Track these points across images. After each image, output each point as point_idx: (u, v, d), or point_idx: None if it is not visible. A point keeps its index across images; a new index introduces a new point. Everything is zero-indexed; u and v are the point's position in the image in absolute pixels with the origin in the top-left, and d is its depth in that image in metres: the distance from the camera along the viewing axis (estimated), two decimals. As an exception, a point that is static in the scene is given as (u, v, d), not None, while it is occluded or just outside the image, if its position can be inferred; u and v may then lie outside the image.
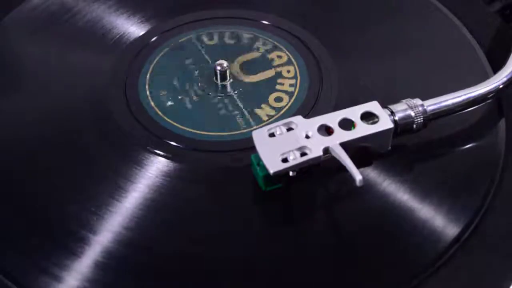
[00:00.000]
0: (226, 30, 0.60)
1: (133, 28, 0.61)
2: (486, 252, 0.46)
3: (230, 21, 0.61)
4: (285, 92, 0.55)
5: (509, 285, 0.44)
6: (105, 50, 0.59)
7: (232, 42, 0.59)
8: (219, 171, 0.50)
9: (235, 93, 0.55)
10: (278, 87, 0.55)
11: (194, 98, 0.55)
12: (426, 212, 0.47)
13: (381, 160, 0.49)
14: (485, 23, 0.61)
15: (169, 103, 0.54)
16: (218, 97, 0.55)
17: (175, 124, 0.53)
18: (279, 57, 0.58)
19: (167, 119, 0.53)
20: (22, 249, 0.46)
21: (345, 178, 0.46)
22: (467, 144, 0.51)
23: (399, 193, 0.48)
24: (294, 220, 0.47)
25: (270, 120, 0.53)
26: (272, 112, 0.53)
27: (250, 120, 0.53)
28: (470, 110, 0.51)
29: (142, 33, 0.60)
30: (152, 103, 0.54)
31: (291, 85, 0.55)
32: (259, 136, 0.47)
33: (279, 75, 0.56)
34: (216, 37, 0.60)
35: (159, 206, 0.48)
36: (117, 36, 0.60)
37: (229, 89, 0.55)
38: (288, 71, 0.56)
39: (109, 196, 0.48)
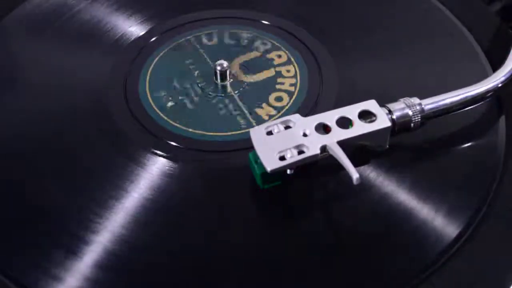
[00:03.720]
0: (226, 30, 0.61)
1: (133, 28, 0.61)
2: (486, 252, 0.46)
3: (229, 21, 0.61)
4: (286, 91, 0.55)
5: (510, 285, 0.44)
6: (105, 50, 0.59)
7: (231, 42, 0.60)
8: (219, 171, 0.50)
9: (235, 93, 0.55)
10: (278, 86, 0.55)
11: (194, 98, 0.55)
12: (426, 212, 0.47)
13: (381, 159, 0.49)
14: (485, 23, 0.61)
15: (169, 103, 0.54)
16: (218, 97, 0.55)
17: (175, 124, 0.53)
18: (279, 56, 0.58)
19: (167, 119, 0.53)
20: (22, 249, 0.46)
21: (344, 177, 0.46)
22: (467, 143, 0.51)
23: (399, 192, 0.48)
24: (293, 218, 0.47)
25: (270, 120, 0.53)
26: (273, 112, 0.53)
27: (251, 119, 0.53)
28: (471, 109, 0.51)
29: (142, 33, 0.61)
30: (152, 103, 0.54)
31: (291, 85, 0.55)
32: (257, 134, 0.47)
33: (279, 74, 0.56)
34: (215, 37, 0.60)
35: (159, 206, 0.48)
36: (117, 36, 0.60)
37: (229, 89, 0.56)
38: (288, 71, 0.57)
39: (109, 196, 0.48)
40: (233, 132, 0.52)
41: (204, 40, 0.60)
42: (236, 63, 0.57)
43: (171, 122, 0.53)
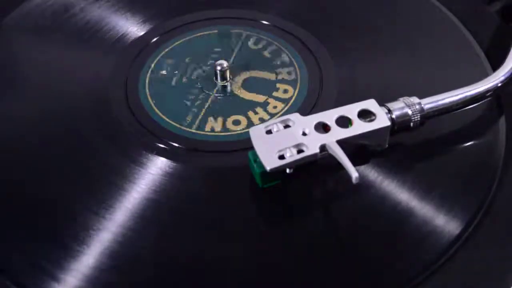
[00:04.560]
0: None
1: (133, 28, 0.61)
2: (486, 252, 0.46)
3: (230, 21, 0.61)
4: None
5: (509, 285, 0.44)
6: (105, 50, 0.59)
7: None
8: (219, 171, 0.50)
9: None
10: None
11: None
12: (426, 212, 0.47)
13: (381, 159, 0.49)
14: (485, 23, 0.61)
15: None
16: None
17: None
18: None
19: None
20: (22, 249, 0.46)
21: (343, 176, 0.46)
22: (467, 143, 0.51)
23: (399, 192, 0.48)
24: (292, 217, 0.47)
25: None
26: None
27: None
28: (470, 109, 0.51)
29: (142, 33, 0.61)
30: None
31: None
32: (256, 133, 0.47)
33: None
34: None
35: (159, 206, 0.48)
36: (118, 36, 0.60)
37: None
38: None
39: (109, 196, 0.48)
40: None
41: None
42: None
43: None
